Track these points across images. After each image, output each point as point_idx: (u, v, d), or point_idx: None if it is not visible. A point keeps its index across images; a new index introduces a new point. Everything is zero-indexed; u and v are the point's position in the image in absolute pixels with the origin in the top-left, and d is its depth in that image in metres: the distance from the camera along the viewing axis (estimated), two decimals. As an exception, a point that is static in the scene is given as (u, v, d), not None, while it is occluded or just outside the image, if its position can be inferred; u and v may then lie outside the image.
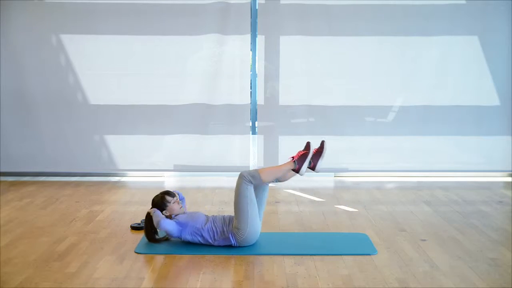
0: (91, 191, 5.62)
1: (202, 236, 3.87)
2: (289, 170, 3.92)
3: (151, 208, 3.99)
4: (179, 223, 3.89)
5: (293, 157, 3.93)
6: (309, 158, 3.90)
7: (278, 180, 3.99)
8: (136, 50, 6.13)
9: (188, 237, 3.88)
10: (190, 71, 6.20)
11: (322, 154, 3.96)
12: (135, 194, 5.57)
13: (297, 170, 3.90)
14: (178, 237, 3.90)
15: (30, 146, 6.23)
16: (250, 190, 3.83)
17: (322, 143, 3.99)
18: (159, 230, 3.94)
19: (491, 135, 6.29)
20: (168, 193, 4.01)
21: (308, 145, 3.94)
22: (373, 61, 6.20)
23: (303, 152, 3.93)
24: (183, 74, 6.20)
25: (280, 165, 3.96)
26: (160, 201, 3.97)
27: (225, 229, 3.86)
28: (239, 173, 3.88)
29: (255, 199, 3.87)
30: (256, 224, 3.86)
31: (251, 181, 3.82)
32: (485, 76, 6.19)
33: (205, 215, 4.00)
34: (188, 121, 6.24)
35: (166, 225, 3.85)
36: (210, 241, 3.87)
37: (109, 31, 6.11)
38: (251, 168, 6.26)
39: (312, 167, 3.95)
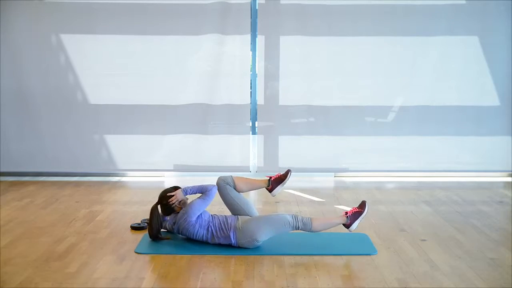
0: (91, 191, 5.62)
1: (207, 229, 3.88)
2: (339, 224, 3.98)
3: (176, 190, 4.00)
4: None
5: (347, 212, 4.00)
6: (362, 216, 3.98)
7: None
8: (136, 50, 6.13)
9: (196, 227, 3.87)
10: (190, 71, 6.20)
11: (284, 181, 4.16)
12: (135, 194, 5.57)
13: (348, 226, 3.97)
14: (188, 225, 3.86)
15: (30, 146, 6.23)
16: (287, 230, 3.86)
17: (288, 172, 4.17)
18: (209, 193, 3.94)
19: (491, 135, 6.29)
20: (178, 187, 4.04)
21: (363, 204, 4.02)
22: (373, 61, 6.20)
23: (357, 210, 3.99)
24: (183, 74, 6.20)
25: (333, 218, 4.03)
26: (173, 191, 3.99)
27: (226, 227, 3.87)
28: (295, 214, 3.93)
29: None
30: (260, 242, 3.86)
31: (298, 227, 3.85)
32: (485, 76, 6.19)
33: (209, 213, 4.02)
34: (188, 121, 6.23)
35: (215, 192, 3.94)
36: (212, 236, 3.88)
37: (109, 31, 6.11)
38: (251, 169, 6.27)
39: (270, 189, 4.17)
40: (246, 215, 4.01)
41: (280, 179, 4.15)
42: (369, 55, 6.19)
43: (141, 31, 6.10)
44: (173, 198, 3.95)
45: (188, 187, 4.01)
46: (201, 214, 3.92)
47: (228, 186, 4.07)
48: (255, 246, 3.86)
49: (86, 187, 5.81)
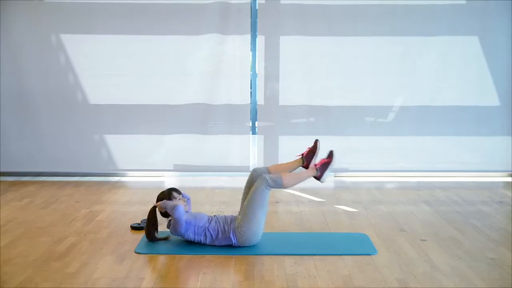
0: (91, 191, 5.62)
1: (204, 235, 3.87)
2: (310, 177, 3.97)
3: (158, 202, 3.98)
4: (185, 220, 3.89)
5: (316, 164, 3.98)
6: (331, 166, 3.97)
7: (293, 186, 4.00)
8: (136, 50, 6.14)
9: (190, 235, 3.88)
10: (190, 71, 6.20)
11: (331, 165, 4.03)
12: (135, 194, 5.57)
13: (318, 177, 3.97)
14: (181, 235, 3.89)
15: (30, 146, 6.24)
16: (267, 194, 3.86)
17: (331, 152, 4.07)
18: (173, 214, 3.82)
19: (491, 135, 6.29)
20: (174, 189, 4.04)
21: (331, 153, 4.02)
22: (373, 61, 6.20)
23: (326, 160, 4.00)
24: (183, 74, 6.20)
25: (302, 173, 4.00)
26: (168, 196, 3.97)
27: (226, 229, 3.86)
28: (262, 175, 3.89)
29: (267, 204, 3.90)
30: (260, 227, 3.87)
31: (272, 185, 3.85)
32: (485, 76, 6.19)
33: (207, 215, 4.00)
34: (188, 121, 6.24)
35: (181, 213, 3.81)
36: (211, 240, 3.87)
37: (109, 31, 6.11)
38: (251, 169, 6.26)
39: (318, 177, 4.05)
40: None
41: (311, 152, 4.05)
42: (369, 55, 6.19)
43: (141, 31, 6.10)
44: (158, 209, 3.96)
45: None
46: (194, 222, 3.88)
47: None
48: (256, 241, 3.86)
49: (86, 187, 5.81)
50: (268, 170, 4.05)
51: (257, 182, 3.87)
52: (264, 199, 3.85)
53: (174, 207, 3.84)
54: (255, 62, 6.24)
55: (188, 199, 4.14)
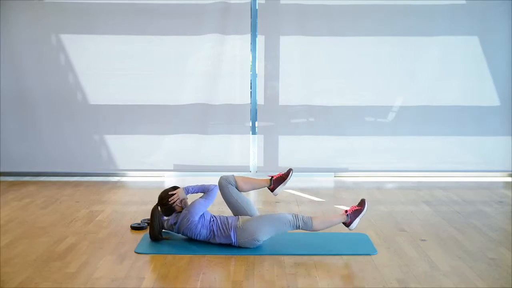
0: (91, 191, 5.62)
1: (209, 229, 3.88)
2: (339, 222, 3.98)
3: (179, 189, 3.99)
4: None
5: (346, 211, 4.01)
6: (362, 214, 4.00)
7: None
8: (136, 50, 6.13)
9: (198, 228, 3.86)
10: (190, 71, 6.20)
11: (286, 181, 4.17)
12: (135, 194, 5.57)
13: (348, 224, 3.98)
14: (191, 226, 3.86)
15: (30, 146, 6.23)
16: (287, 229, 3.86)
17: (289, 171, 4.18)
18: (210, 193, 3.93)
19: (491, 135, 6.29)
20: (176, 188, 4.03)
21: (363, 202, 4.04)
22: (373, 61, 6.20)
23: (356, 208, 4.01)
24: (183, 74, 6.20)
25: (333, 217, 4.02)
26: (173, 190, 3.99)
27: (227, 226, 3.87)
28: (295, 213, 3.92)
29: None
30: (261, 241, 3.87)
31: (299, 226, 3.86)
32: (485, 76, 6.18)
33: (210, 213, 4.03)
34: (188, 121, 6.23)
35: (203, 205, 3.89)
36: (212, 236, 3.88)
37: (109, 31, 6.11)
38: (251, 169, 6.27)
39: (272, 189, 4.16)
40: (246, 215, 4.01)
41: (282, 178, 4.16)
42: (369, 55, 6.19)
43: (141, 31, 6.10)
44: (174, 196, 3.94)
45: (189, 186, 4.01)
46: (203, 214, 3.92)
47: (230, 186, 4.07)
48: (255, 246, 3.86)
49: (86, 187, 5.81)
50: (234, 178, 4.08)
51: (288, 215, 3.87)
52: (282, 228, 3.84)
53: (213, 187, 3.94)
54: (255, 62, 6.24)
55: (215, 186, 4.12)
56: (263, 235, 3.83)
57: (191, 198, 4.04)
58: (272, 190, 4.17)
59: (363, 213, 3.99)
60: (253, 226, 3.83)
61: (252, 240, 3.82)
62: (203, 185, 4.02)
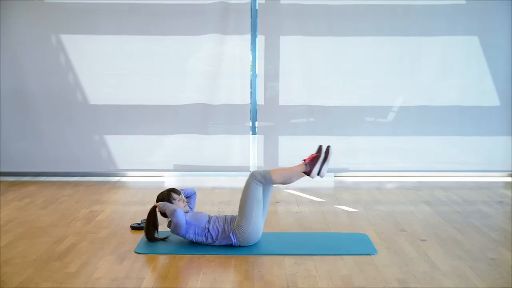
0: (91, 191, 5.62)
1: (204, 235, 3.87)
2: (299, 173, 3.91)
3: (158, 203, 3.99)
4: (186, 222, 3.89)
5: (304, 160, 3.94)
6: (321, 160, 3.90)
7: (284, 182, 3.94)
8: (136, 50, 6.13)
9: (191, 236, 3.88)
10: (190, 71, 6.20)
11: (328, 159, 3.93)
12: (135, 194, 5.58)
13: (308, 173, 3.90)
14: (182, 235, 3.89)
15: (30, 146, 6.24)
16: (259, 190, 3.84)
17: (328, 148, 3.95)
18: (172, 219, 3.83)
19: (491, 135, 6.29)
20: (174, 190, 4.03)
21: (320, 148, 3.95)
22: (373, 61, 6.20)
23: (315, 155, 3.93)
24: (183, 74, 6.20)
25: (292, 167, 3.95)
26: (167, 197, 3.98)
27: (226, 228, 3.87)
28: (250, 172, 3.90)
29: (262, 199, 3.88)
30: (259, 225, 3.87)
31: (262, 181, 3.84)
32: (485, 76, 6.18)
33: (208, 215, 4.00)
34: (188, 121, 6.24)
35: (180, 217, 3.80)
36: (212, 240, 3.88)
37: (109, 31, 6.11)
38: (251, 169, 6.27)
39: (308, 172, 3.94)
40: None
41: (316, 158, 3.90)
42: (369, 55, 6.19)
43: (141, 31, 6.10)
44: (158, 210, 3.96)
45: (185, 189, 4.10)
46: (195, 222, 3.88)
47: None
48: (256, 239, 3.87)
49: (86, 187, 5.81)
50: (269, 173, 3.88)
51: (247, 179, 3.87)
52: (254, 195, 3.82)
53: (173, 212, 3.84)
54: (255, 62, 6.24)
55: (194, 193, 4.16)
56: (256, 221, 3.81)
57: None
58: (309, 173, 3.88)
59: (321, 159, 3.87)
60: (243, 220, 3.82)
61: (251, 234, 3.81)
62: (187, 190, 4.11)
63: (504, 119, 6.24)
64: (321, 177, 3.97)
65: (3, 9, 6.02)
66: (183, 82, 6.20)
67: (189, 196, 4.15)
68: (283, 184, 3.97)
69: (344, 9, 6.12)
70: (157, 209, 3.99)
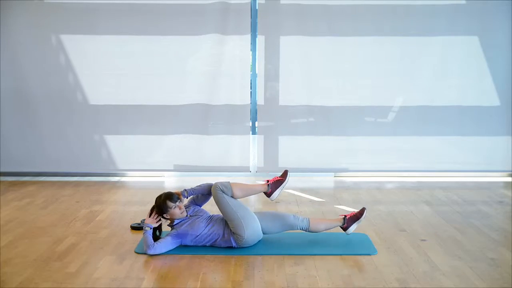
0: (91, 191, 5.62)
1: (203, 242, 3.88)
2: (260, 192, 4.07)
3: (147, 219, 3.90)
4: (177, 235, 3.86)
5: (268, 181, 4.07)
6: (283, 185, 4.07)
7: (242, 197, 4.03)
8: (136, 50, 6.13)
9: (188, 243, 3.88)
10: (190, 71, 6.20)
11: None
12: (135, 194, 5.58)
13: (268, 194, 4.06)
14: (185, 243, 3.90)
15: (30, 146, 6.23)
16: (227, 197, 3.88)
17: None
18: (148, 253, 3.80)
19: (491, 135, 6.29)
20: (170, 197, 3.90)
21: (285, 173, 4.11)
22: (373, 61, 6.20)
23: (279, 178, 4.08)
24: (183, 74, 6.20)
25: (254, 185, 4.12)
26: (162, 205, 3.89)
27: (225, 233, 3.86)
28: (214, 184, 3.94)
29: (238, 202, 3.91)
30: (253, 225, 3.86)
31: (224, 191, 3.88)
32: (485, 76, 6.18)
33: (207, 217, 3.99)
34: (188, 121, 6.24)
35: (159, 251, 3.78)
36: (212, 243, 3.88)
37: (109, 31, 6.11)
38: (251, 168, 6.27)
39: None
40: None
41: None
42: (369, 55, 6.19)
43: (141, 31, 6.10)
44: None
45: (190, 189, 4.06)
46: (191, 231, 3.86)
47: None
48: (256, 239, 3.89)
49: (86, 187, 5.81)
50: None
51: (213, 192, 3.91)
52: (227, 202, 3.86)
53: (147, 247, 3.76)
54: (255, 62, 6.24)
55: (209, 194, 4.10)
56: (248, 224, 3.80)
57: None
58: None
59: (284, 183, 4.07)
60: (235, 227, 3.82)
61: (249, 236, 3.81)
62: (201, 186, 4.08)
63: (504, 119, 6.24)
64: (271, 199, 4.11)
65: (3, 9, 6.02)
66: (183, 82, 6.20)
67: (203, 194, 4.10)
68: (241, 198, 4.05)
69: (344, 9, 6.12)
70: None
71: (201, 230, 3.88)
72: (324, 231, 4.07)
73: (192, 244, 3.88)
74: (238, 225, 3.81)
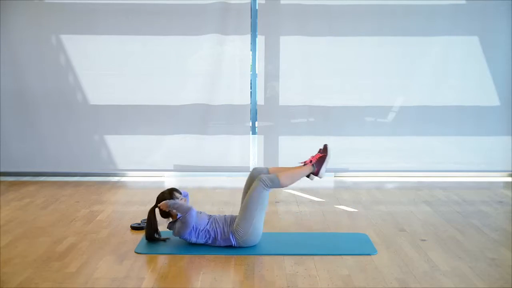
0: (91, 191, 5.62)
1: (204, 237, 3.87)
2: (306, 174, 3.93)
3: (164, 201, 3.90)
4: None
5: (310, 161, 3.95)
6: (327, 160, 3.91)
7: (291, 184, 3.94)
8: (136, 50, 6.14)
9: (193, 239, 3.87)
10: (190, 71, 6.20)
11: (326, 159, 3.98)
12: (135, 194, 5.58)
13: (316, 173, 3.92)
14: (185, 238, 3.87)
15: (30, 146, 6.23)
16: (265, 195, 3.83)
17: (325, 146, 4.01)
18: (184, 218, 3.78)
19: (491, 135, 6.29)
20: (176, 189, 3.99)
21: (325, 148, 3.96)
22: (373, 61, 6.20)
23: (320, 155, 3.95)
24: (183, 74, 6.20)
25: (298, 168, 3.97)
26: (169, 196, 3.92)
27: (225, 230, 3.86)
28: (259, 176, 3.85)
29: (266, 205, 3.88)
30: (259, 229, 3.87)
31: (270, 185, 3.82)
32: (485, 76, 6.18)
33: (208, 215, 4.00)
34: (188, 121, 6.24)
35: (194, 217, 3.77)
36: (212, 242, 3.88)
37: (109, 31, 6.11)
38: (251, 169, 6.25)
39: (316, 173, 3.98)
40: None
41: (322, 158, 3.95)
42: (369, 55, 6.19)
43: (141, 31, 6.10)
44: (161, 208, 3.90)
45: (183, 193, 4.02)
46: (196, 225, 3.85)
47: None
48: (256, 241, 3.87)
49: (86, 187, 5.81)
50: (268, 171, 4.00)
51: (254, 183, 3.85)
52: (262, 200, 3.82)
53: (188, 210, 3.79)
54: (255, 62, 6.24)
55: (186, 195, 4.12)
56: (256, 225, 3.81)
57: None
58: (316, 173, 3.95)
59: (327, 158, 3.91)
60: (243, 222, 3.81)
61: (251, 236, 3.81)
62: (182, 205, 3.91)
63: (504, 119, 6.24)
64: (320, 177, 3.99)
65: (3, 9, 6.02)
66: (183, 82, 6.20)
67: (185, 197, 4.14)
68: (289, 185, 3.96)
69: (344, 9, 6.12)
70: (159, 209, 3.97)
71: (203, 225, 3.88)
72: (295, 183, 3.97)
73: (195, 239, 3.86)
74: (247, 222, 3.79)
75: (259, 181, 3.82)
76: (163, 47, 6.14)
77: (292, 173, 3.92)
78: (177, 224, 3.86)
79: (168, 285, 3.33)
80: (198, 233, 3.86)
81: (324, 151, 3.96)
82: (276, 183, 3.84)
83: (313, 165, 3.93)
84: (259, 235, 3.88)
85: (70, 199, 5.29)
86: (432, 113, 6.23)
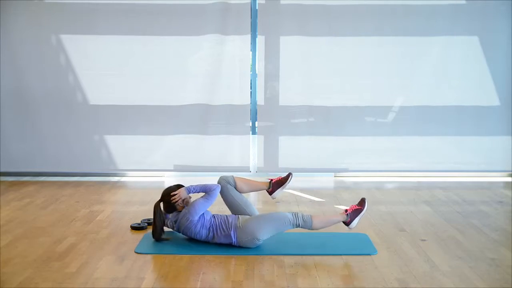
0: (91, 191, 5.62)
1: (208, 228, 3.89)
2: (339, 222, 3.98)
3: (180, 189, 3.97)
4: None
5: (346, 210, 4.00)
6: (362, 214, 3.99)
7: (321, 228, 3.98)
8: (136, 50, 6.13)
9: (198, 227, 3.87)
10: (190, 71, 6.19)
11: (285, 185, 4.18)
12: (135, 194, 5.58)
13: (348, 223, 3.98)
14: (189, 226, 3.86)
15: (30, 146, 6.23)
16: (288, 227, 3.86)
17: (289, 175, 4.19)
18: (210, 195, 3.91)
19: (491, 135, 6.29)
20: (181, 185, 4.03)
21: (363, 202, 4.03)
22: (373, 61, 6.20)
23: (357, 207, 4.01)
24: (183, 74, 6.19)
25: (333, 216, 4.03)
26: (177, 189, 3.97)
27: (227, 226, 3.88)
28: (295, 212, 3.90)
29: (283, 231, 3.94)
30: (262, 239, 3.87)
31: (300, 225, 3.86)
32: (485, 76, 6.18)
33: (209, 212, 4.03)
34: (188, 121, 6.23)
35: (218, 192, 3.95)
36: (212, 235, 3.89)
37: (109, 31, 6.11)
38: (251, 168, 6.27)
39: (270, 192, 4.18)
40: (246, 214, 4.01)
41: (281, 182, 4.18)
42: (369, 55, 6.19)
43: (141, 31, 6.10)
44: (176, 196, 3.93)
45: (191, 186, 4.00)
46: (203, 213, 3.92)
47: (229, 186, 4.09)
48: (256, 245, 3.86)
49: (86, 187, 5.81)
50: (233, 179, 4.11)
51: (289, 214, 3.87)
52: (282, 227, 3.86)
53: (215, 185, 3.94)
54: (255, 62, 6.24)
55: (216, 188, 4.13)
56: (264, 235, 3.83)
57: (193, 198, 4.04)
58: (270, 193, 4.19)
59: (363, 212, 3.99)
60: (253, 225, 3.83)
61: (253, 239, 3.82)
62: (205, 184, 4.01)
63: (504, 119, 6.23)
64: (350, 228, 4.01)
65: (3, 9, 6.02)
66: (183, 82, 6.20)
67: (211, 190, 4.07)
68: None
69: (344, 9, 6.12)
70: (163, 203, 3.97)
71: (210, 216, 3.94)
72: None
73: (199, 228, 3.87)
74: (257, 231, 3.82)
75: (293, 216, 3.85)
76: (163, 47, 6.13)
77: (326, 218, 3.98)
78: (190, 208, 3.88)
79: (168, 285, 3.33)
80: (204, 223, 3.88)
81: (360, 203, 4.03)
82: (308, 225, 3.87)
83: (347, 214, 3.97)
84: (260, 243, 3.89)
85: (70, 199, 5.29)
86: (432, 113, 6.23)
